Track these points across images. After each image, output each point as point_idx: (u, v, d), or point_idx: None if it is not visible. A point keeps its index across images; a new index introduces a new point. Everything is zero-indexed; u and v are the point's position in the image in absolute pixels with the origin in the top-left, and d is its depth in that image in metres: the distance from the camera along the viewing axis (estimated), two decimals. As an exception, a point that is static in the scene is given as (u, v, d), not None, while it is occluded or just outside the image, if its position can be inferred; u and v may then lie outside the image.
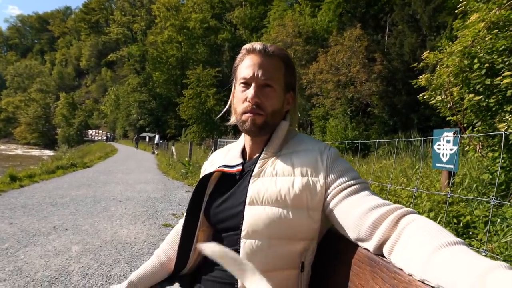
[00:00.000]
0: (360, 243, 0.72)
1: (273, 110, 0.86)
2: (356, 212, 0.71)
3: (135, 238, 3.43)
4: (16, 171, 7.50)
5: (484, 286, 0.41)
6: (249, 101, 0.84)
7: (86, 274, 2.47)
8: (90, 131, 53.01)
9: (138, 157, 18.97)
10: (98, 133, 51.49)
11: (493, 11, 2.92)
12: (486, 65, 2.82)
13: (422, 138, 2.55)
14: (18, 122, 54.22)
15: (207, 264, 0.91)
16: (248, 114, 0.85)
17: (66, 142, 42.13)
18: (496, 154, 3.02)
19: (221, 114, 1.04)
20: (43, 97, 54.22)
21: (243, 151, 0.96)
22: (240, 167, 0.90)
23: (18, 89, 65.37)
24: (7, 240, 3.17)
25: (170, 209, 4.94)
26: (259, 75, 0.84)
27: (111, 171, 10.39)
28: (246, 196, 0.82)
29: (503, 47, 2.78)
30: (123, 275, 2.50)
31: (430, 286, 0.51)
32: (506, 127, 2.56)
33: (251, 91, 0.84)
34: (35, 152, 39.81)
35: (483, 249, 1.52)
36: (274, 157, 0.87)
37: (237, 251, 0.79)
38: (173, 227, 3.91)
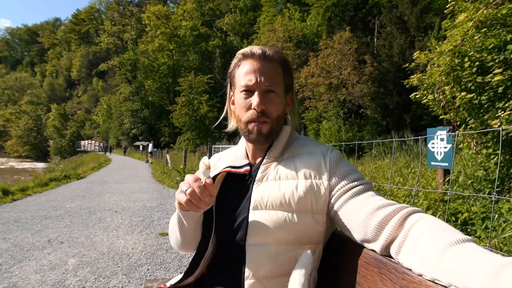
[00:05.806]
0: (366, 245, 0.71)
1: (277, 116, 0.85)
2: (361, 213, 0.70)
3: (132, 248, 3.38)
4: (8, 185, 7.36)
5: (497, 284, 0.41)
6: (254, 109, 0.82)
7: (84, 287, 2.42)
8: (82, 142, 52.42)
9: (132, 166, 18.79)
10: (91, 143, 50.92)
11: (481, 10, 2.97)
12: (477, 63, 2.86)
13: (420, 137, 2.55)
14: (9, 135, 53.33)
15: (211, 273, 0.88)
16: (253, 124, 0.83)
17: (59, 154, 41.54)
18: (490, 151, 3.05)
19: (218, 121, 1.01)
20: (34, 109, 53.56)
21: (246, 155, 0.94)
22: (248, 167, 0.88)
23: (9, 102, 64.46)
24: (0, 256, 3.09)
25: (167, 217, 4.88)
26: (262, 81, 0.82)
27: (105, 181, 10.27)
28: (250, 201, 0.80)
29: (492, 45, 2.82)
30: (122, 287, 2.45)
31: (441, 285, 0.50)
32: (499, 124, 2.59)
33: (255, 99, 0.82)
34: (27, 164, 39.19)
35: (485, 246, 1.52)
36: (277, 161, 0.86)
37: (243, 257, 0.78)
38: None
